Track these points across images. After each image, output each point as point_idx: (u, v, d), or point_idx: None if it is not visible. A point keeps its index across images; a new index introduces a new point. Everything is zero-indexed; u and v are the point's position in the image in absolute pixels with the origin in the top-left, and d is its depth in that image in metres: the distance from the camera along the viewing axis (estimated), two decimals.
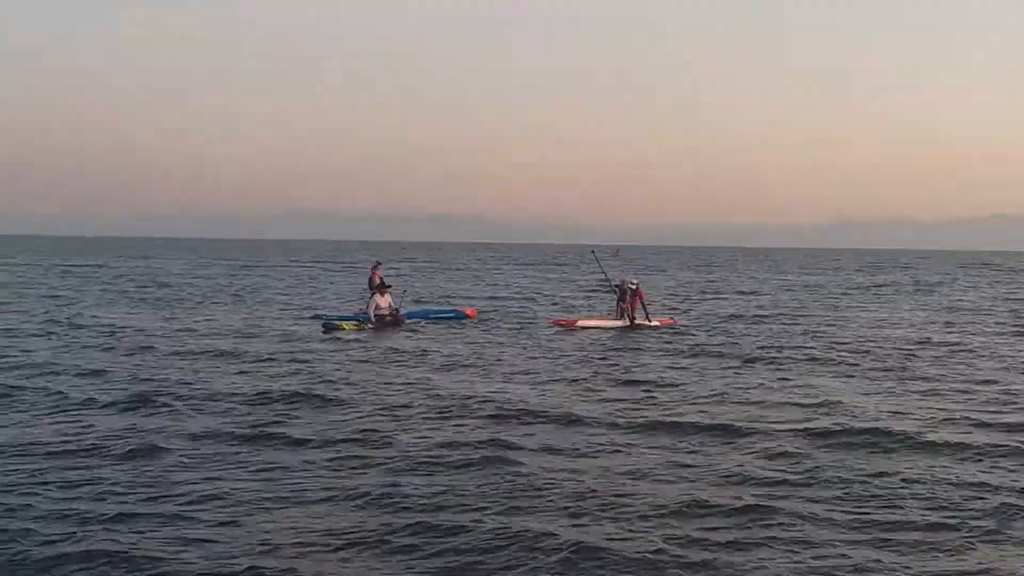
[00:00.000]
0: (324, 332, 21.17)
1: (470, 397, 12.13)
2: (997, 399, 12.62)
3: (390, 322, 22.46)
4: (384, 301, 22.88)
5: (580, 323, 22.81)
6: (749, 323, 24.18)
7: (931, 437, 9.99)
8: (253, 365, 15.33)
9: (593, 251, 30.94)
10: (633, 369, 15.38)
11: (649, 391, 13.09)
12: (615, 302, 23.17)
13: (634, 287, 22.89)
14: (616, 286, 23.52)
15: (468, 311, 25.30)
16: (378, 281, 24.18)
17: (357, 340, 19.46)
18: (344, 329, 21.45)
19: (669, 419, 10.92)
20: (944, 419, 11.12)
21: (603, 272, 28.15)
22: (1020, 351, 18.57)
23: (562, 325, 22.63)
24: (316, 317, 24.36)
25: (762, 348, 18.24)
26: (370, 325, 22.11)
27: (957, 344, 19.45)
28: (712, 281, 50.18)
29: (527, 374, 14.65)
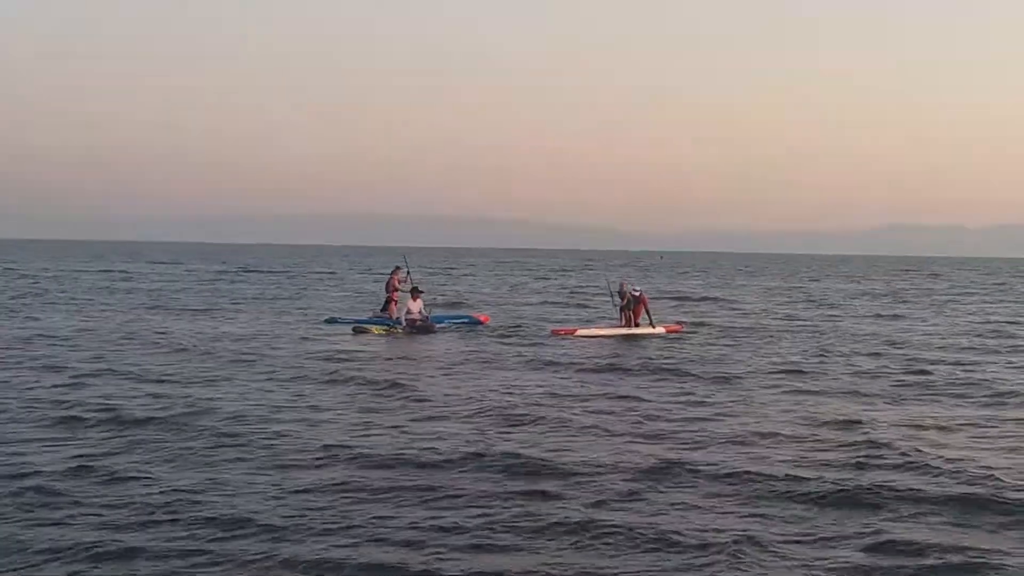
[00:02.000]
0: (353, 334, 21.89)
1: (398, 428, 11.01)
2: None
3: (420, 327, 22.61)
4: (415, 306, 23.02)
5: (579, 332, 22.63)
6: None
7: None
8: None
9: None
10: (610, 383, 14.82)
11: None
12: (618, 310, 23.04)
13: (637, 294, 22.87)
14: (618, 293, 23.36)
15: (481, 317, 25.72)
16: (396, 285, 24.56)
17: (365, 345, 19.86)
18: (374, 333, 21.93)
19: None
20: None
21: (609, 289, 25.25)
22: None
23: (561, 334, 22.40)
24: (330, 321, 25.13)
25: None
26: (399, 330, 22.40)
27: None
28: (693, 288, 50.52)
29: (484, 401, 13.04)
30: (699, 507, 7.93)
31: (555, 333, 22.64)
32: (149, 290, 41.01)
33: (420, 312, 23.07)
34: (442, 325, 23.64)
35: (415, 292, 23.41)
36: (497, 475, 8.86)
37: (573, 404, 12.85)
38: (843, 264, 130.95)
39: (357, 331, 22.22)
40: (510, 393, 13.74)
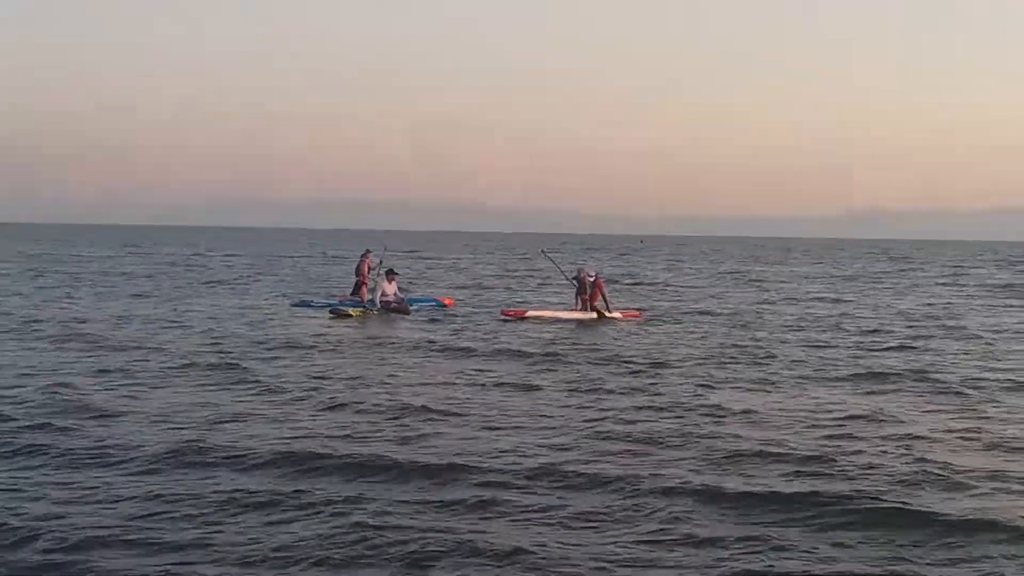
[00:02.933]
0: (331, 317, 21.97)
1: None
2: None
3: (395, 309, 22.85)
4: (391, 288, 23.23)
5: (530, 313, 22.66)
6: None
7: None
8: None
9: (543, 250, 29.94)
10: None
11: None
12: (574, 294, 23.09)
13: (592, 278, 22.79)
14: (574, 278, 23.44)
15: (446, 300, 26.09)
16: (366, 270, 24.28)
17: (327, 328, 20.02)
18: (352, 316, 21.97)
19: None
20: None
21: (557, 268, 27.44)
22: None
23: (510, 316, 22.37)
24: (301, 304, 24.91)
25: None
26: (375, 312, 22.54)
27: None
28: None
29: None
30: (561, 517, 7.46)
31: (504, 314, 22.70)
32: (100, 271, 40.25)
33: (395, 294, 23.33)
34: (414, 308, 23.89)
35: (390, 274, 23.62)
36: (343, 477, 8.42)
37: (482, 395, 12.52)
38: (814, 247, 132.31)
39: (336, 314, 22.24)
40: (423, 383, 13.35)
